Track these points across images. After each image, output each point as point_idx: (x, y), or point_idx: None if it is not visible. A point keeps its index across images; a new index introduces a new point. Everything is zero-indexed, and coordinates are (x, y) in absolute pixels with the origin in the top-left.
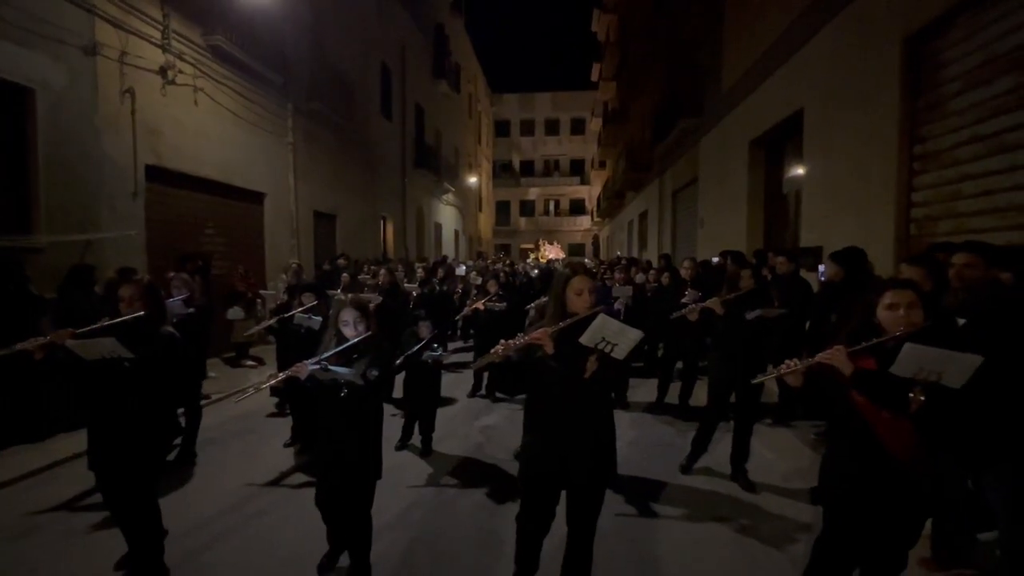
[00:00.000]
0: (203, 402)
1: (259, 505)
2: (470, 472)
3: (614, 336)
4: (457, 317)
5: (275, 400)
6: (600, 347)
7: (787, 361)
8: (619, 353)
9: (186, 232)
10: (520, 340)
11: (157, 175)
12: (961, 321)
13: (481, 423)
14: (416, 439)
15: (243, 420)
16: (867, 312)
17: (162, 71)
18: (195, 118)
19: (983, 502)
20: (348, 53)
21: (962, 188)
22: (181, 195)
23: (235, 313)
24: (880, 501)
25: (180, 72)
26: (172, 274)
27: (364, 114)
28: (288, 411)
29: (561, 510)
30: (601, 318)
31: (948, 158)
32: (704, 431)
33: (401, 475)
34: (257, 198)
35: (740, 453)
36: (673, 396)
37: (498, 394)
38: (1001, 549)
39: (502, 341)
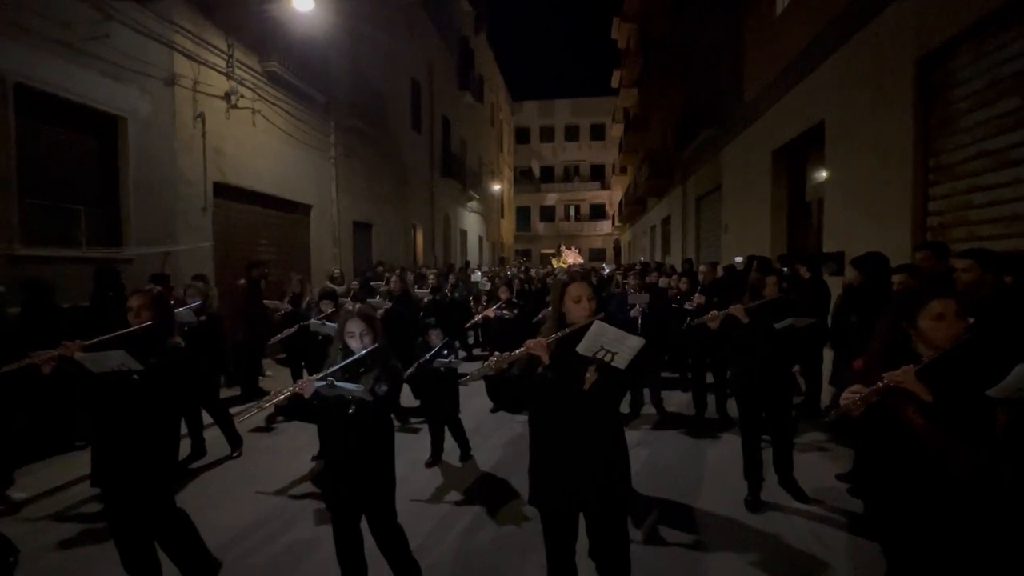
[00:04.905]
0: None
1: (285, 519)
2: (483, 491)
3: (612, 344)
4: (467, 325)
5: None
6: (599, 356)
7: (849, 390)
8: (620, 362)
9: (245, 242)
10: (516, 352)
11: (222, 191)
12: None
13: (496, 437)
14: (449, 452)
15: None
16: (906, 323)
17: (227, 96)
18: (253, 138)
19: None
20: (382, 72)
21: (972, 199)
22: (240, 208)
23: None
24: (959, 531)
25: (241, 96)
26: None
27: (396, 128)
28: (274, 425)
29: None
30: (598, 324)
31: (959, 171)
32: (750, 457)
33: (404, 491)
34: (304, 210)
35: (784, 464)
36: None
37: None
38: None
39: (496, 353)
